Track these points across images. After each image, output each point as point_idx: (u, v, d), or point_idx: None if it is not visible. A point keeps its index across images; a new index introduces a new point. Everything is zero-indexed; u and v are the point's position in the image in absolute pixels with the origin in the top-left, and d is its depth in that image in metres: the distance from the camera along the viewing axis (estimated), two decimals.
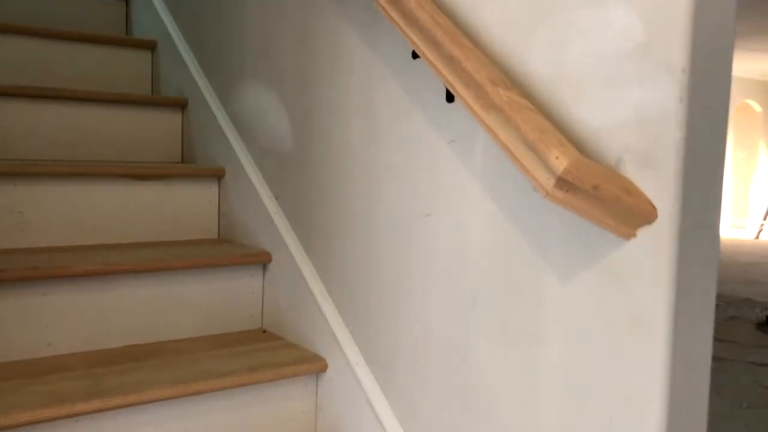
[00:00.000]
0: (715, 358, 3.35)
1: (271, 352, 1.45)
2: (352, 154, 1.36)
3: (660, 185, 0.85)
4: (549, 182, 0.84)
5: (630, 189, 0.86)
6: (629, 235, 0.88)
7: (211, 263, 1.53)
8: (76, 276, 1.38)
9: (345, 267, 1.38)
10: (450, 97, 1.11)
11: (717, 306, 4.13)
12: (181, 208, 1.77)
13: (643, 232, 0.87)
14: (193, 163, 1.98)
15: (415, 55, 1.15)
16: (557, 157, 0.83)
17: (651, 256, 0.86)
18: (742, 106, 9.87)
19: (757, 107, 9.96)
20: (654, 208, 0.86)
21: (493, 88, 0.92)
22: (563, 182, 0.83)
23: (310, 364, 1.40)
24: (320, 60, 1.44)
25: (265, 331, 1.61)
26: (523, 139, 0.87)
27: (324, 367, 1.41)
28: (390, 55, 1.25)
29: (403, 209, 1.23)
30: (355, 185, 1.35)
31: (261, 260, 1.60)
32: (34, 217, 1.58)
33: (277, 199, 1.63)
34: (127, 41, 2.17)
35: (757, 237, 9.38)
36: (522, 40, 1.00)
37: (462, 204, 1.11)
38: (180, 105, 2.02)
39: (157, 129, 2.00)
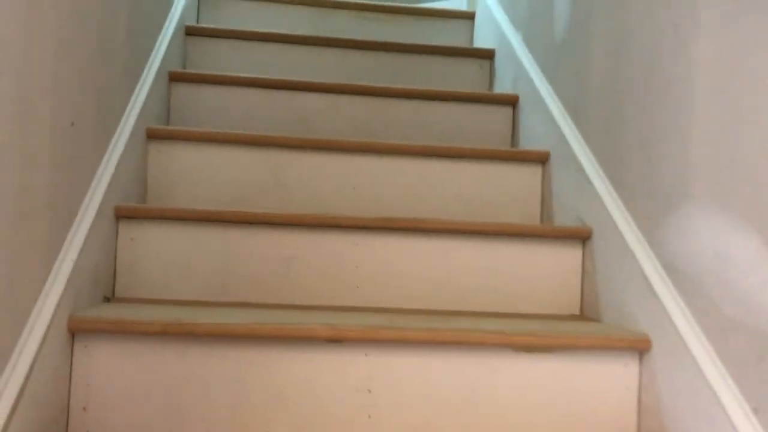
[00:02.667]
0: None
1: None
2: None
3: None
4: None
5: None
6: None
7: None
8: None
9: None
10: None
11: None
12: (580, 393, 1.18)
13: None
14: (597, 321, 1.39)
15: None
16: None
17: None
18: None
19: None
20: None
21: None
22: None
23: None
24: None
25: None
26: None
27: None
28: None
29: None
30: None
31: None
32: (385, 398, 1.15)
33: (756, 412, 0.93)
34: (510, 155, 1.72)
35: None
36: None
37: None
38: (581, 238, 1.47)
39: (546, 271, 1.47)
